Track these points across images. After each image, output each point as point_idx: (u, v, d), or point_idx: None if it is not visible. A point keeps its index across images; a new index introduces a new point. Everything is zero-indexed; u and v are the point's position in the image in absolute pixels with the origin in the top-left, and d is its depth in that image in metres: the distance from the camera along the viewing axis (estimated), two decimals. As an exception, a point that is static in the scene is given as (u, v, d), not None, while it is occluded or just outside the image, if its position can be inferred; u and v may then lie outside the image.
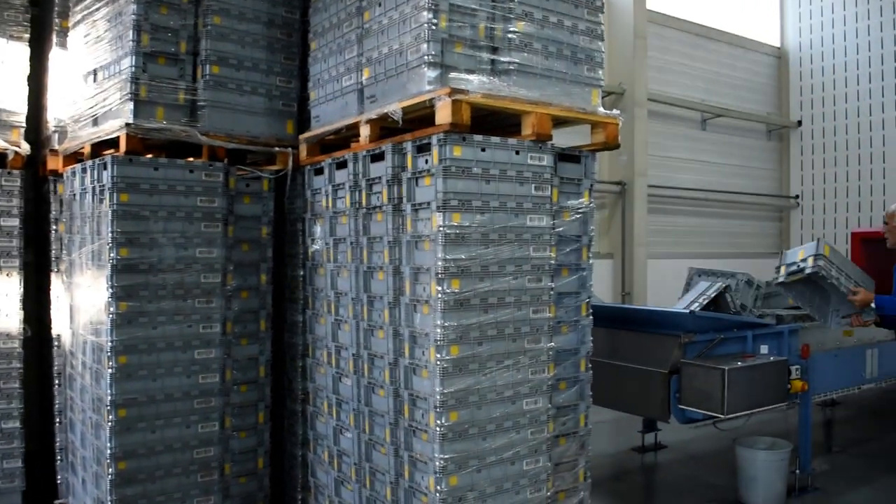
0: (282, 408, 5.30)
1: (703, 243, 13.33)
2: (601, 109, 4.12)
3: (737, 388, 5.40)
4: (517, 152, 3.80)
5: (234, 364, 4.85)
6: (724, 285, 6.51)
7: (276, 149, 4.99)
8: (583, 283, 4.17)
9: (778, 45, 15.04)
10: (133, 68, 4.43)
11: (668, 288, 12.39)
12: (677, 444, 8.04)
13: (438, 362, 3.57)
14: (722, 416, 5.38)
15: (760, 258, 14.34)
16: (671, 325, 5.95)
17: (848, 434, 8.77)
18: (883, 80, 13.43)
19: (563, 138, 4.36)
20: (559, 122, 4.20)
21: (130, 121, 4.39)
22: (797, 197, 14.75)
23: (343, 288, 4.43)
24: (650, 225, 12.12)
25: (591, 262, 4.20)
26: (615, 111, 4.18)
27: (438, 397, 3.57)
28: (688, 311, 5.70)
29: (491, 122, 4.13)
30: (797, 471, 6.54)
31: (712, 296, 6.38)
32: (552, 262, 3.98)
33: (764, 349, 6.38)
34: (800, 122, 14.72)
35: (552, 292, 3.98)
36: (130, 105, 4.42)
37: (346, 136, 4.58)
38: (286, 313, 5.25)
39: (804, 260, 5.61)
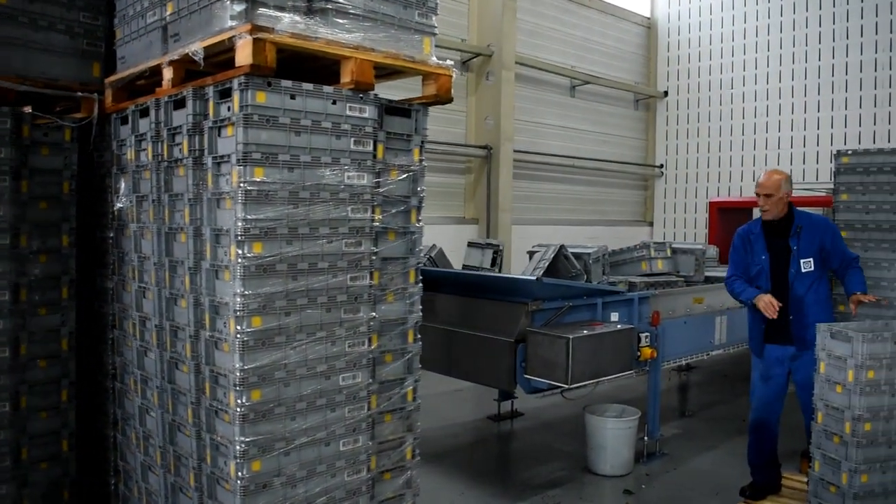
0: (94, 385, 4.78)
1: (570, 210, 13.36)
2: (433, 59, 3.78)
3: (582, 357, 5.26)
4: (334, 102, 3.41)
5: (30, 337, 4.29)
6: (559, 246, 6.37)
7: (80, 94, 4.41)
8: (411, 247, 3.86)
9: (648, 15, 15.16)
10: None
11: (533, 255, 12.40)
12: (533, 412, 7.96)
13: (238, 335, 3.18)
14: (566, 385, 5.24)
15: (626, 226, 14.56)
16: (519, 293, 5.76)
17: (700, 398, 8.96)
18: (745, 54, 13.73)
19: (397, 93, 4.02)
20: (388, 71, 3.84)
21: None
22: (661, 166, 15.01)
23: (146, 251, 3.96)
24: (517, 191, 12.01)
25: (420, 225, 3.89)
26: (449, 62, 3.84)
27: (238, 374, 3.19)
28: (535, 277, 5.49)
29: (310, 68, 3.73)
30: (645, 437, 6.54)
31: (550, 258, 6.23)
32: (375, 224, 3.63)
33: (614, 317, 6.31)
34: (666, 93, 14.94)
35: (374, 257, 3.64)
36: None
37: (155, 81, 4.07)
38: (96, 279, 4.71)
39: None
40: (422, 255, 7.01)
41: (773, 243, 5.30)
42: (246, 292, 3.17)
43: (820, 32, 12.71)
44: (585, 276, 6.53)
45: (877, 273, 5.81)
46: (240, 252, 3.15)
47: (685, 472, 6.33)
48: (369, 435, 3.69)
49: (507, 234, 11.35)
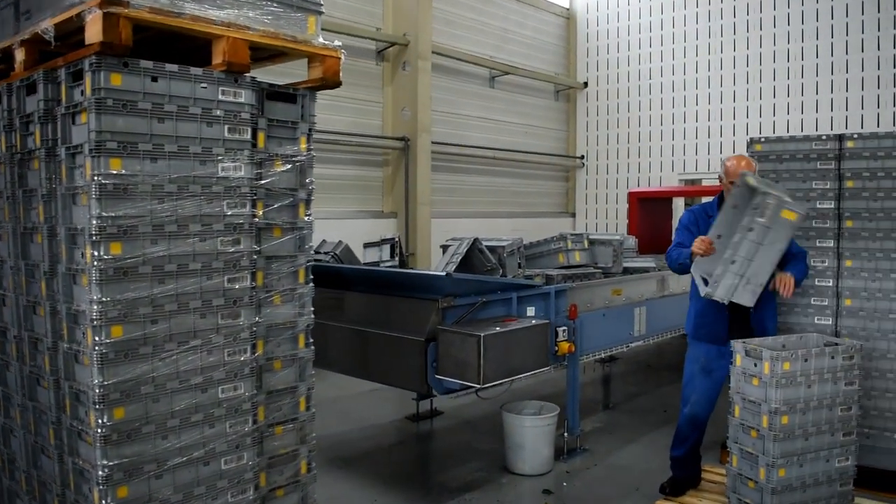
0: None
1: (492, 202, 13.18)
2: (320, 40, 3.47)
3: (494, 355, 5.03)
4: (204, 85, 3.08)
5: None
6: (473, 239, 6.14)
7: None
8: (300, 244, 3.55)
9: (567, 5, 15.08)
10: None
11: (455, 248, 12.17)
12: (453, 410, 7.74)
13: (97, 347, 2.83)
14: (479, 385, 5.00)
15: (549, 217, 14.47)
16: (429, 289, 5.50)
17: (622, 389, 8.88)
18: (662, 44, 13.77)
19: (287, 79, 3.70)
20: (271, 53, 3.53)
21: None
22: (583, 157, 14.96)
23: (2, 253, 3.55)
24: (436, 184, 11.76)
25: (310, 219, 3.58)
26: (337, 43, 3.54)
27: (98, 390, 2.83)
28: (444, 273, 5.24)
29: (185, 50, 3.38)
30: (565, 433, 6.38)
31: (464, 252, 6.00)
32: (257, 220, 3.32)
33: (530, 311, 6.11)
34: (586, 84, 14.89)
35: (257, 256, 3.33)
36: None
37: (11, 65, 3.66)
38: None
39: None
40: (325, 251, 6.80)
41: None
42: (104, 299, 2.82)
43: (734, 23, 12.82)
44: (501, 270, 6.31)
45: (792, 261, 5.72)
46: (95, 253, 2.80)
47: (606, 467, 6.19)
48: (257, 450, 3.38)
49: (426, 227, 11.10)
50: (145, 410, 2.96)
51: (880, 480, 5.13)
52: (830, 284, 5.60)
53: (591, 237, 7.56)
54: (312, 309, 3.63)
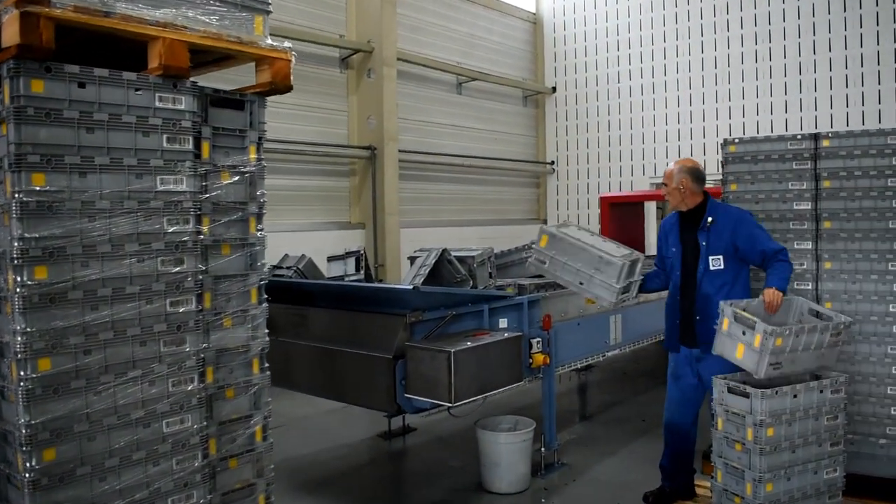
0: None
1: (462, 210, 12.96)
2: (268, 41, 3.23)
3: (466, 372, 4.80)
4: (138, 91, 2.82)
5: None
6: (441, 250, 5.92)
7: None
8: (251, 262, 3.30)
9: (533, 10, 14.94)
10: None
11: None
12: (426, 426, 7.47)
13: (23, 382, 2.55)
14: (450, 403, 4.76)
15: (520, 224, 14.29)
16: (396, 303, 5.26)
17: (599, 399, 8.68)
18: (630, 48, 13.67)
19: (233, 84, 3.46)
20: (217, 57, 3.28)
21: None
22: (552, 163, 14.81)
23: (-76, 280, 3.26)
24: (404, 192, 11.52)
25: (262, 235, 3.34)
26: (287, 44, 3.29)
27: (25, 430, 2.56)
28: (411, 286, 5.00)
29: (121, 53, 3.12)
30: (542, 448, 6.16)
31: (432, 264, 5.77)
32: (202, 237, 3.06)
33: (503, 323, 5.90)
34: (554, 89, 14.75)
35: (203, 276, 3.07)
36: None
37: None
38: None
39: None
40: (287, 265, 6.53)
41: (685, 236, 5.01)
42: (28, 329, 2.55)
43: (702, 24, 12.75)
44: (472, 282, 6.08)
45: (769, 265, 5.56)
46: (18, 279, 2.53)
47: (585, 482, 5.97)
48: (208, 487, 3.11)
49: (395, 238, 10.86)
50: (79, 450, 2.69)
51: (865, 487, 4.96)
52: (810, 288, 5.44)
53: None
54: (267, 331, 3.37)
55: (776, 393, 4.03)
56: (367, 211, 10.83)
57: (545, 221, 14.95)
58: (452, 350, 4.70)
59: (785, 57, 11.83)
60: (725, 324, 4.27)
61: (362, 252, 6.19)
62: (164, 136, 2.89)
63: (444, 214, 12.52)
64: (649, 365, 9.87)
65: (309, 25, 10.25)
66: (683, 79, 12.98)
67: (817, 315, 4.50)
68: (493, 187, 13.75)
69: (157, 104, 2.87)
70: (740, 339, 4.14)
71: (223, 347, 3.18)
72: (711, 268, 4.82)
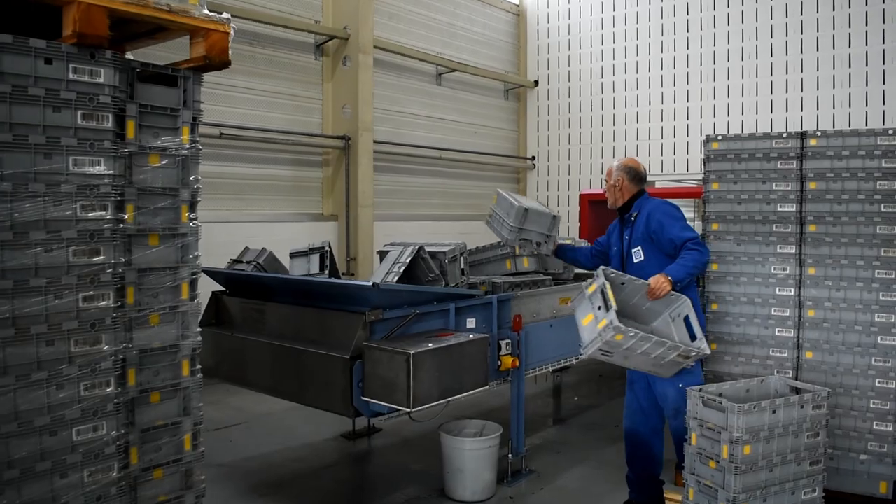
0: None
1: (438, 205, 12.66)
2: (203, 11, 2.91)
3: (426, 375, 4.52)
4: (48, 61, 2.51)
5: None
6: (418, 248, 5.63)
7: None
8: (183, 254, 2.99)
9: (517, 1, 14.64)
10: None
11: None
12: (392, 427, 7.19)
13: None
14: (409, 409, 4.47)
15: (499, 220, 14.00)
16: (355, 301, 4.97)
17: (572, 402, 8.41)
18: (615, 42, 13.40)
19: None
20: (151, 28, 2.96)
21: None
22: (533, 158, 14.53)
23: None
24: (380, 185, 11.22)
25: (195, 224, 3.03)
26: (225, 15, 2.98)
27: None
28: (371, 283, 4.70)
29: (37, 20, 2.80)
30: (510, 454, 5.91)
31: (407, 261, 5.47)
32: (123, 225, 2.75)
33: (470, 323, 5.62)
34: (537, 82, 14.47)
35: (125, 269, 2.76)
36: None
37: None
38: None
39: None
40: (247, 260, 6.21)
41: (621, 233, 5.03)
42: None
43: (688, 20, 12.49)
44: (444, 280, 5.79)
45: (751, 268, 5.32)
46: None
47: (554, 490, 5.72)
48: (126, 500, 2.81)
49: (368, 231, 10.55)
50: (-29, 462, 2.39)
51: (844, 506, 4.74)
52: (792, 294, 5.20)
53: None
54: (199, 330, 3.06)
55: (754, 408, 3.77)
56: (340, 203, 10.51)
57: (524, 218, 14.68)
58: (412, 352, 4.41)
59: (772, 55, 11.60)
60: (592, 288, 4.26)
61: (327, 248, 5.87)
62: (79, 113, 2.58)
63: (419, 208, 12.22)
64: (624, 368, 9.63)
65: (283, 10, 9.91)
66: (668, 75, 12.72)
67: (688, 328, 4.34)
68: (472, 182, 13.45)
69: (71, 76, 2.56)
70: (593, 310, 4.06)
71: (148, 347, 2.88)
72: (634, 260, 4.79)
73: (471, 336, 5.01)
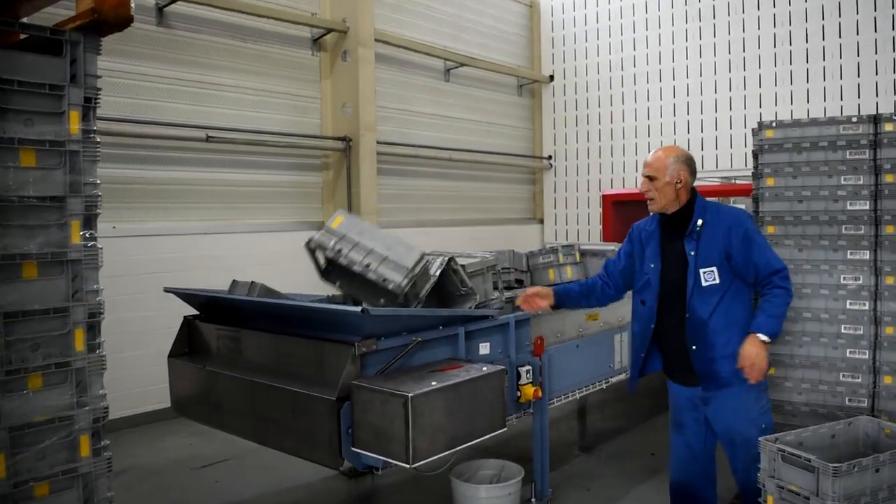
0: None
1: (449, 209, 11.80)
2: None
3: (429, 422, 3.68)
4: None
5: None
6: (448, 259, 4.88)
7: None
8: (75, 288, 2.15)
9: (530, -8, 13.79)
10: None
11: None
12: (398, 463, 6.33)
13: None
14: (408, 464, 3.63)
15: (514, 224, 13.19)
16: (343, 329, 4.13)
17: (600, 426, 7.54)
18: (635, 31, 12.50)
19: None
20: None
21: None
22: (550, 157, 13.64)
23: None
24: (384, 189, 10.38)
25: (94, 245, 2.19)
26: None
27: None
28: (360, 308, 3.87)
29: None
30: (533, 499, 5.11)
31: (437, 275, 4.71)
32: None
33: (483, 349, 4.81)
34: (552, 77, 13.58)
35: None
36: None
37: None
38: None
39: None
40: (237, 296, 5.36)
41: (667, 247, 3.93)
42: None
43: (714, 5, 11.55)
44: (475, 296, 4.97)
45: (816, 278, 4.46)
46: None
47: (585, 542, 4.88)
48: None
49: (373, 239, 9.70)
50: None
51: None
52: (866, 308, 4.37)
53: (582, 248, 6.40)
54: (104, 392, 2.23)
55: (854, 468, 2.89)
56: (343, 209, 9.68)
57: (541, 221, 13.80)
58: (410, 394, 3.57)
59: (824, 39, 10.56)
60: None
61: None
62: None
63: (428, 213, 11.37)
64: (656, 383, 8.76)
65: (277, 1, 9.11)
66: (694, 65, 11.78)
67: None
68: (484, 184, 12.58)
69: None
70: None
71: (25, 422, 2.04)
72: (704, 284, 3.74)
73: (485, 368, 4.15)
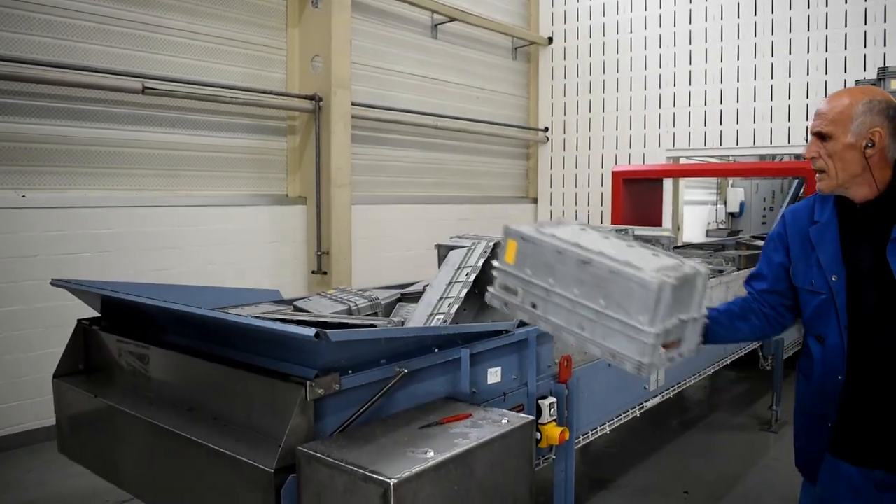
0: None
1: (432, 184, 10.37)
2: None
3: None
4: None
5: None
6: (493, 243, 3.74)
7: None
8: None
9: (526, -56, 12.32)
10: None
11: (386, 244, 9.39)
12: None
13: None
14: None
15: (505, 203, 11.81)
16: (292, 358, 2.74)
17: (622, 455, 6.16)
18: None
19: None
20: None
21: None
22: (546, 129, 12.23)
23: None
24: (359, 158, 8.94)
25: None
26: None
27: None
28: (314, 332, 2.44)
29: None
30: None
31: (480, 266, 3.49)
32: None
33: (493, 376, 3.47)
34: (551, 39, 12.14)
35: None
36: None
37: None
38: None
39: None
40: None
41: (855, 253, 2.46)
42: None
43: (739, -41, 10.20)
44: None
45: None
46: None
47: None
48: None
49: (345, 217, 8.25)
50: None
51: None
52: None
53: (636, 232, 5.26)
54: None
55: None
56: (310, 182, 8.23)
57: (535, 201, 12.39)
58: (393, 480, 2.19)
59: (846, 2, 9.32)
60: None
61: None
62: None
63: (406, 188, 9.92)
64: (685, 401, 7.48)
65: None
66: (713, 28, 10.43)
67: None
68: (472, 157, 11.15)
69: None
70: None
71: None
72: None
73: (505, 421, 2.78)
